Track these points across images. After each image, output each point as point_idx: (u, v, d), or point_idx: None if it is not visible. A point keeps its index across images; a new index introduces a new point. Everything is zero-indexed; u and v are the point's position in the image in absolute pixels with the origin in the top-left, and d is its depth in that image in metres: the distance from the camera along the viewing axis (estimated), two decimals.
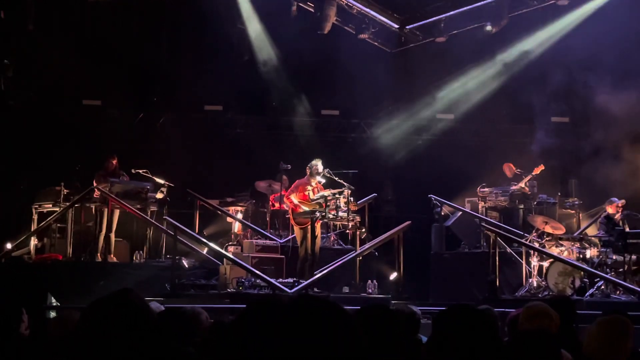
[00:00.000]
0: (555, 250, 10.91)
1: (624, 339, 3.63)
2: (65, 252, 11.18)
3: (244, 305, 1.78)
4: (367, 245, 11.32)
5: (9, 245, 11.62)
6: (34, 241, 11.50)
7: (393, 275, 11.72)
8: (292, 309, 1.65)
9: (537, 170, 12.68)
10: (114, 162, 11.61)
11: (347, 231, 11.98)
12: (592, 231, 12.26)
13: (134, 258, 11.56)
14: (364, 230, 11.52)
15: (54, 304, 9.56)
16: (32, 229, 11.62)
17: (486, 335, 2.63)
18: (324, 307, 1.66)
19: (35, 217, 11.74)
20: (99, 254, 11.15)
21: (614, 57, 13.00)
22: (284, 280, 10.48)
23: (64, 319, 4.00)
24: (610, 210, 11.69)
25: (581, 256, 10.82)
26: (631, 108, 13.37)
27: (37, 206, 11.80)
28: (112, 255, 11.32)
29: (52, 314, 9.05)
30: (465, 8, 14.57)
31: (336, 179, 10.97)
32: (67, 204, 11.32)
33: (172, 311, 4.31)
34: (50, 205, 11.65)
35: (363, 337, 1.65)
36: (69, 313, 3.93)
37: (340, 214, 10.65)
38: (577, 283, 10.55)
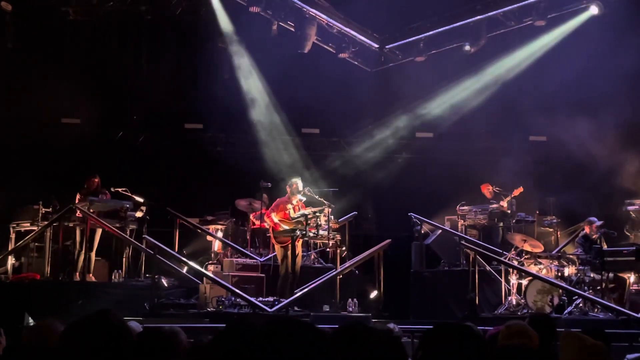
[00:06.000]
0: (534, 268, 10.98)
1: None
2: (43, 272, 11.06)
3: (224, 325, 1.78)
4: (347, 264, 11.32)
5: None
6: (11, 260, 11.37)
7: (373, 294, 11.73)
8: (268, 331, 1.65)
9: (517, 192, 12.81)
10: (96, 180, 11.56)
11: (328, 249, 11.99)
12: (570, 249, 12.36)
13: (113, 277, 11.47)
14: (344, 248, 11.54)
15: (32, 324, 9.45)
16: (10, 248, 11.49)
17: (476, 352, 2.64)
18: (299, 329, 1.67)
19: (12, 235, 11.62)
20: (77, 273, 11.07)
21: (590, 77, 13.16)
22: (264, 299, 10.44)
23: (42, 328, 3.93)
24: (587, 230, 11.78)
25: (559, 274, 10.89)
26: (607, 127, 13.55)
27: (14, 225, 11.68)
28: (90, 275, 11.23)
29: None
30: (444, 28, 14.74)
31: (316, 197, 10.99)
32: (45, 222, 11.23)
33: (150, 331, 4.27)
34: (28, 224, 11.54)
35: (339, 357, 1.67)
36: (49, 322, 3.85)
37: (321, 232, 10.67)
38: (556, 301, 10.62)
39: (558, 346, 5.74)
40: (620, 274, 10.76)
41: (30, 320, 9.47)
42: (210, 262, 12.29)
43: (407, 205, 13.17)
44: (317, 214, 10.64)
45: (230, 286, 10.53)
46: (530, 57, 14.86)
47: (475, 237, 12.66)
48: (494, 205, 12.69)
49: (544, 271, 10.93)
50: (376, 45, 15.64)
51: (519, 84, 14.93)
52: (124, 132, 15.45)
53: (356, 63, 15.72)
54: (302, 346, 1.65)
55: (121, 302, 10.08)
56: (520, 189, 12.83)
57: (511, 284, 10.97)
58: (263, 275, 11.71)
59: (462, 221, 12.84)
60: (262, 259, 12.05)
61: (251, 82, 15.24)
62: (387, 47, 15.67)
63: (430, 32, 14.90)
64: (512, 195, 12.76)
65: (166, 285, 11.35)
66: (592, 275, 10.77)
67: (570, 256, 11.32)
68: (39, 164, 13.57)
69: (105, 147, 14.90)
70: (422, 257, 12.64)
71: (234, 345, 1.64)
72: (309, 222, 10.55)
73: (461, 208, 12.89)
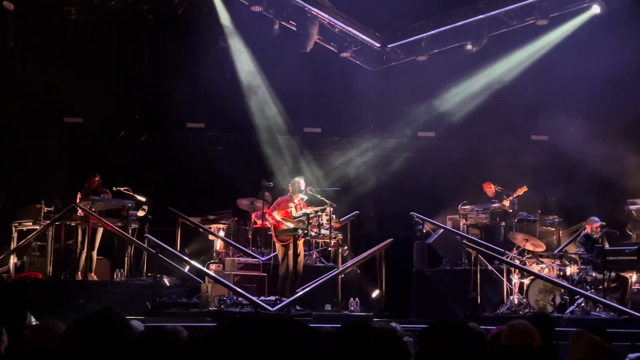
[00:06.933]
0: (535, 268, 10.97)
1: None
2: (45, 271, 11.08)
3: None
4: (349, 263, 11.32)
5: None
6: (13, 259, 11.39)
7: (375, 293, 11.73)
8: (267, 331, 1.65)
9: (520, 192, 12.78)
10: (96, 179, 11.57)
11: (329, 249, 11.98)
12: (572, 248, 12.35)
13: (115, 276, 11.47)
14: (345, 247, 11.53)
15: (34, 323, 9.45)
16: (12, 247, 11.51)
17: (473, 350, 2.64)
18: (297, 330, 1.66)
19: (14, 235, 11.64)
20: (79, 272, 11.08)
21: (592, 76, 13.14)
22: (266, 298, 10.44)
23: (43, 328, 3.94)
24: (589, 229, 11.77)
25: (561, 273, 10.88)
26: (609, 126, 13.54)
27: (16, 224, 11.70)
28: (92, 274, 11.24)
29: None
30: (445, 27, 14.73)
31: (318, 196, 11.00)
32: (47, 221, 11.24)
33: (152, 330, 4.27)
34: (30, 223, 11.55)
35: (340, 357, 1.66)
36: (50, 322, 3.86)
37: (322, 231, 10.67)
38: (558, 300, 10.61)
39: (558, 345, 5.76)
40: (622, 274, 10.75)
41: (33, 320, 9.48)
42: (212, 261, 12.29)
43: (409, 205, 13.15)
44: (319, 213, 10.64)
45: (232, 285, 10.54)
46: (532, 57, 14.84)
47: (477, 237, 12.65)
48: (496, 205, 12.67)
49: (546, 270, 10.92)
50: (378, 45, 15.62)
51: (521, 83, 14.91)
52: (126, 131, 15.45)
53: (358, 62, 15.71)
54: (301, 347, 1.64)
55: (123, 301, 10.08)
56: (524, 189, 12.81)
57: (513, 283, 10.96)
58: (265, 274, 11.72)
59: (464, 220, 12.83)
60: (263, 258, 12.06)
61: (253, 81, 15.23)
62: (388, 46, 15.66)
63: (432, 32, 14.89)
64: (516, 195, 12.73)
65: (168, 284, 11.36)
66: (594, 274, 10.76)
67: (572, 255, 11.31)
68: (41, 163, 13.57)
69: (107, 146, 14.90)
70: (423, 257, 12.63)
71: (232, 344, 1.63)
72: (310, 221, 10.55)
73: (463, 207, 12.87)
